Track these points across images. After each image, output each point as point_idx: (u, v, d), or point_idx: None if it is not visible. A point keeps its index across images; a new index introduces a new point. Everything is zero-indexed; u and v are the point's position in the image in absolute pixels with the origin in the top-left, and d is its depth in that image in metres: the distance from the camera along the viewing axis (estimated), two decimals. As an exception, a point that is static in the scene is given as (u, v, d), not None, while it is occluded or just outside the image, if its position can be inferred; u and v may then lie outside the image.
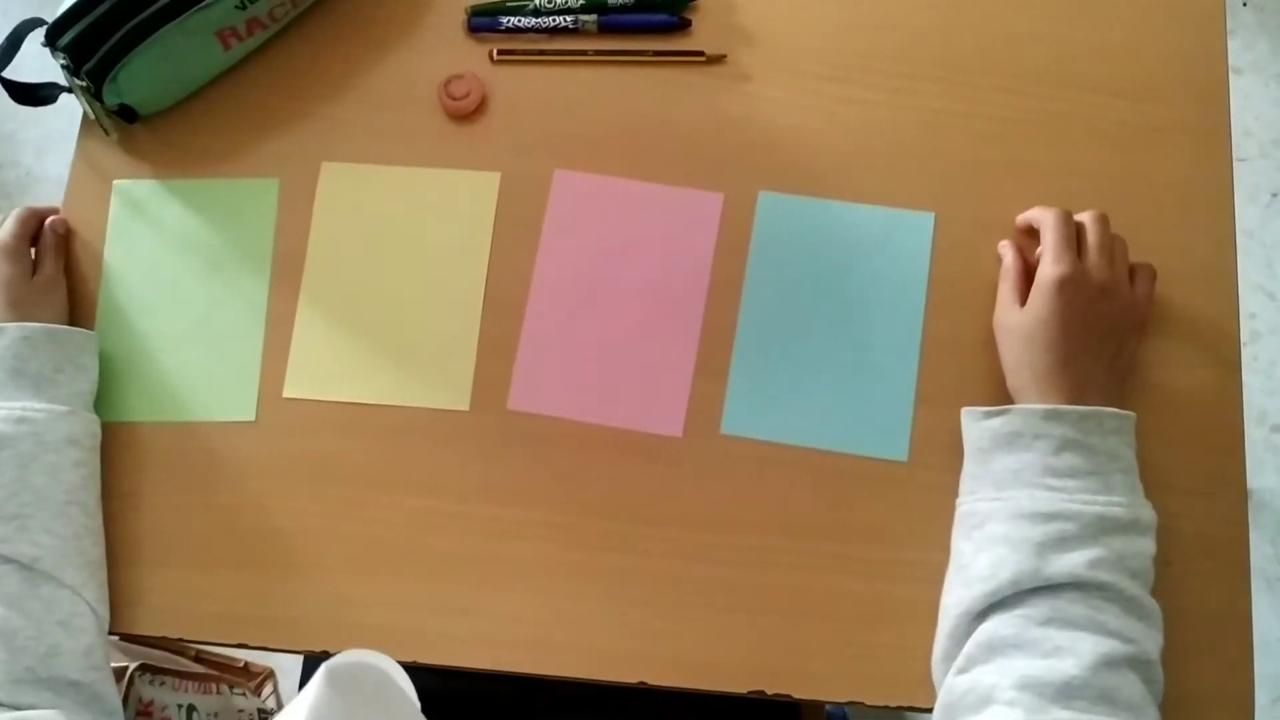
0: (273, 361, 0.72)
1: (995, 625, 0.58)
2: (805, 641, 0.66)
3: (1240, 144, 1.66)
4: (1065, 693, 0.54)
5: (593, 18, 0.75)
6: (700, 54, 0.75)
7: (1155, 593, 0.65)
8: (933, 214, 0.72)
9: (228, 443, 0.71)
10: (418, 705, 0.53)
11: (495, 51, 0.76)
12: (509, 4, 0.76)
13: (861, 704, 0.65)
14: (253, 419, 0.71)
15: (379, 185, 0.74)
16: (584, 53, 0.76)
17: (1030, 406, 0.63)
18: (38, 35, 0.71)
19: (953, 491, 0.66)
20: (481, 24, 0.77)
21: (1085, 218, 0.67)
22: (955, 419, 0.67)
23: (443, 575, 0.68)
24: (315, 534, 0.69)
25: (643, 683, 0.66)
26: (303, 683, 0.91)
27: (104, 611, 0.67)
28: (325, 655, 0.67)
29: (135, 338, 0.73)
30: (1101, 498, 0.60)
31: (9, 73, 0.73)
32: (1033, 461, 0.61)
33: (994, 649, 0.57)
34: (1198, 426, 0.69)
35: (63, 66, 0.71)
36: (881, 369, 0.69)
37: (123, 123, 0.75)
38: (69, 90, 0.73)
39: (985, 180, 0.73)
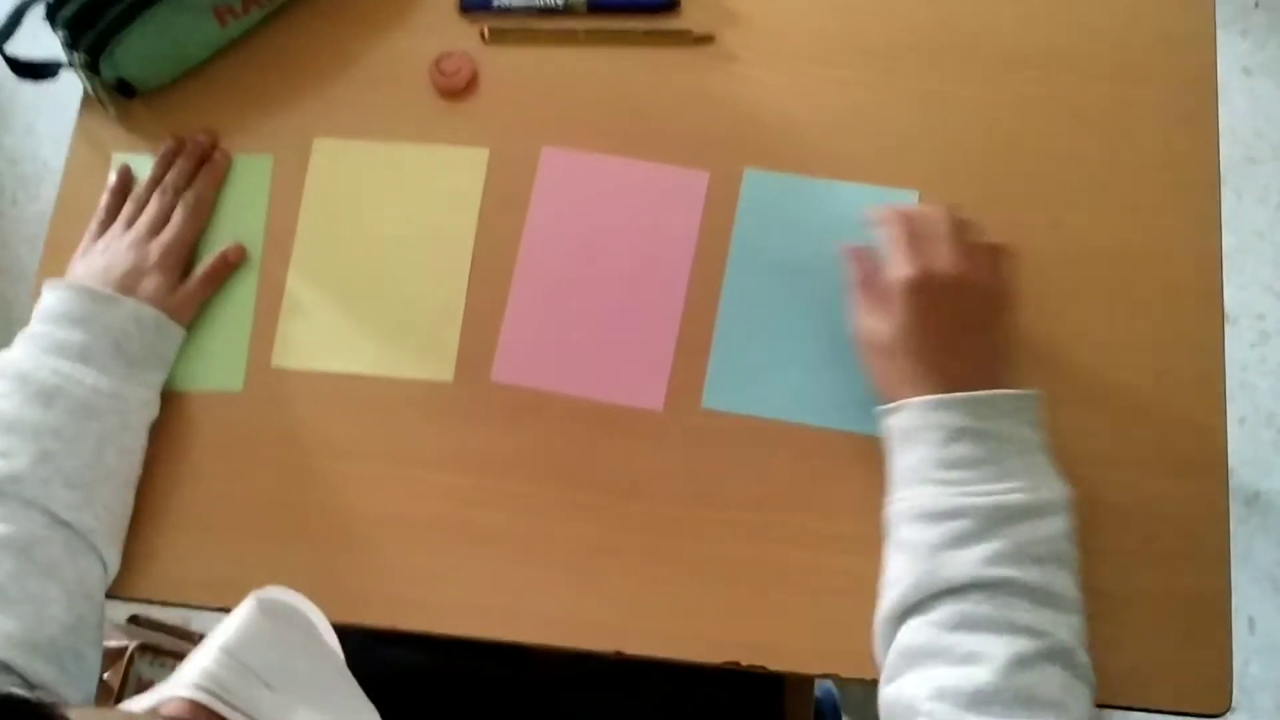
0: (262, 332, 0.73)
1: (909, 633, 0.58)
2: (782, 615, 0.66)
3: (1251, 145, 1.64)
4: (979, 700, 0.53)
5: (582, -3, 0.77)
6: (688, 33, 0.76)
7: (1132, 573, 0.65)
8: (916, 192, 0.72)
9: (214, 411, 0.72)
10: (342, 658, 0.53)
11: (486, 30, 0.77)
12: (501, -17, 0.78)
13: (837, 677, 0.65)
14: (239, 389, 0.72)
15: (370, 160, 0.75)
16: (574, 32, 0.77)
17: (921, 399, 0.60)
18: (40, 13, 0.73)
19: (931, 466, 0.66)
20: (473, 3, 0.78)
21: (928, 209, 0.66)
22: (934, 394, 0.67)
23: (423, 543, 0.68)
24: (298, 501, 0.69)
25: (619, 652, 0.66)
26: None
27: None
28: (307, 621, 0.68)
29: (129, 307, 0.74)
30: (997, 485, 0.58)
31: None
32: (926, 455, 0.60)
33: (911, 658, 0.57)
34: (1179, 408, 0.68)
35: (62, 42, 0.72)
36: (861, 345, 0.70)
37: (121, 98, 0.77)
38: (70, 65, 0.75)
39: (969, 161, 0.73)
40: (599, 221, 0.73)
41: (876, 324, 0.64)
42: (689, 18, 0.77)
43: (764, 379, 0.70)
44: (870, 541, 0.66)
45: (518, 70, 0.77)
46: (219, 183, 0.76)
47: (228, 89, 0.78)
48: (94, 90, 0.75)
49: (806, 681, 0.87)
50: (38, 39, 0.75)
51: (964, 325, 0.62)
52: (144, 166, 0.77)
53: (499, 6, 0.77)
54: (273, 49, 0.78)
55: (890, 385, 0.64)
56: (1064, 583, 0.58)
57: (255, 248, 0.75)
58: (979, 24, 0.76)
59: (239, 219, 0.75)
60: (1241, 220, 1.62)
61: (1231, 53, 1.69)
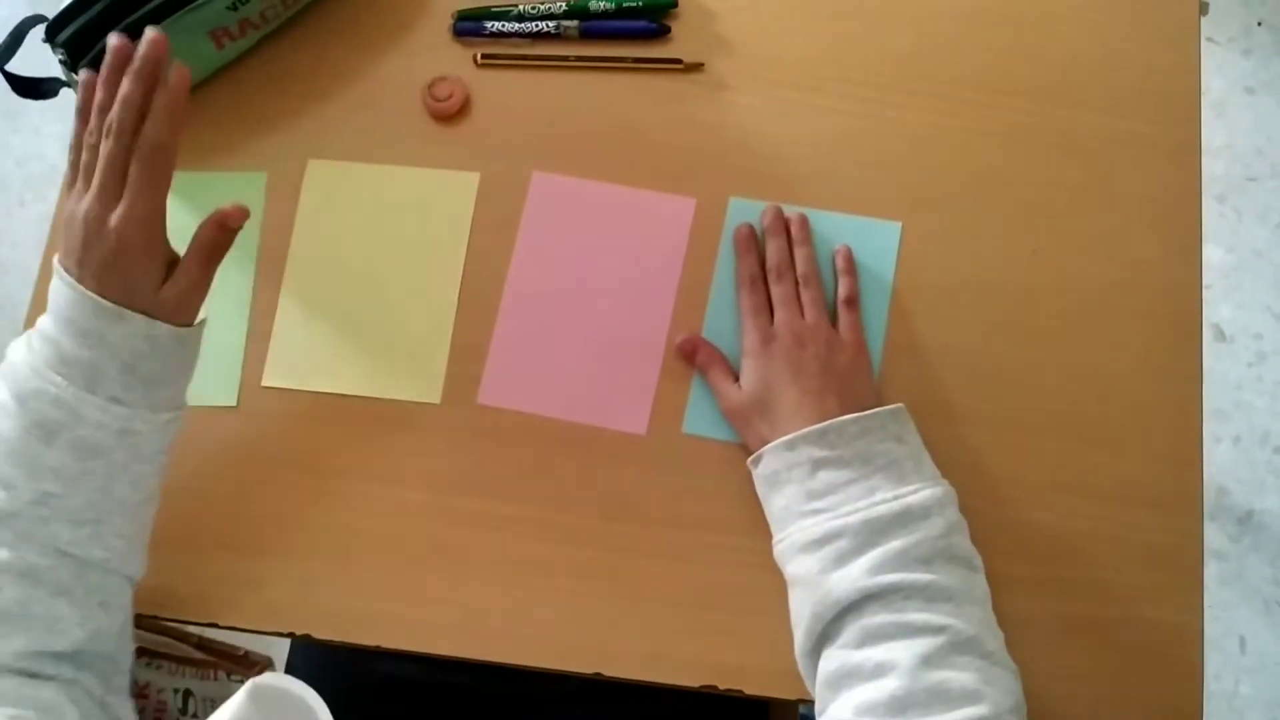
0: (255, 350, 0.74)
1: (825, 663, 0.59)
2: (759, 639, 0.67)
3: (1252, 164, 1.65)
4: (896, 707, 0.54)
5: (575, 23, 0.77)
6: (678, 62, 0.77)
7: (1105, 603, 0.66)
8: (899, 223, 0.73)
9: (209, 427, 0.73)
10: None
11: (479, 55, 0.78)
12: (494, 9, 0.78)
13: (812, 703, 0.66)
14: (234, 404, 0.73)
15: (362, 182, 0.76)
16: (565, 58, 0.78)
17: (775, 443, 0.64)
18: (39, 32, 0.74)
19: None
20: (467, 28, 0.79)
21: (770, 275, 0.71)
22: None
23: (408, 563, 0.69)
24: (288, 519, 0.70)
25: (599, 674, 0.67)
26: (288, 670, 0.93)
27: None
28: (292, 637, 0.69)
29: (123, 324, 0.75)
30: (864, 501, 0.60)
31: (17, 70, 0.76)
32: (795, 493, 0.63)
33: (834, 685, 0.58)
34: (1156, 437, 0.69)
35: (61, 61, 0.73)
36: (843, 374, 0.70)
37: (119, 117, 0.78)
38: (69, 85, 0.76)
39: (954, 191, 0.74)
40: (587, 246, 0.74)
41: (734, 393, 0.68)
42: (680, 45, 0.78)
43: (746, 405, 0.70)
44: (848, 568, 0.67)
45: (510, 95, 0.78)
46: (177, 116, 0.59)
47: (223, 109, 0.79)
48: (92, 109, 0.76)
49: (791, 702, 0.87)
50: (34, 57, 0.76)
51: (806, 373, 0.66)
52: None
53: (492, 32, 0.78)
54: (268, 71, 0.79)
55: (755, 444, 0.67)
56: (956, 576, 0.59)
57: (247, 265, 0.76)
58: (965, 55, 0.76)
59: (233, 237, 0.76)
60: (1241, 239, 1.62)
61: (1234, 71, 1.69)
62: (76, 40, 0.72)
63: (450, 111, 0.77)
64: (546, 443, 0.71)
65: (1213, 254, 1.53)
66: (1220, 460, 1.53)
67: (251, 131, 0.78)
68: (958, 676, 0.55)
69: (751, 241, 0.72)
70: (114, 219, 0.58)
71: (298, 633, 0.68)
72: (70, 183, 0.61)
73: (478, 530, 0.70)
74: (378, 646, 0.68)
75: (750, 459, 0.67)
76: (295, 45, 0.80)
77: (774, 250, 0.71)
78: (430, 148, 0.77)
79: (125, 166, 0.58)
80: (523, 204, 0.75)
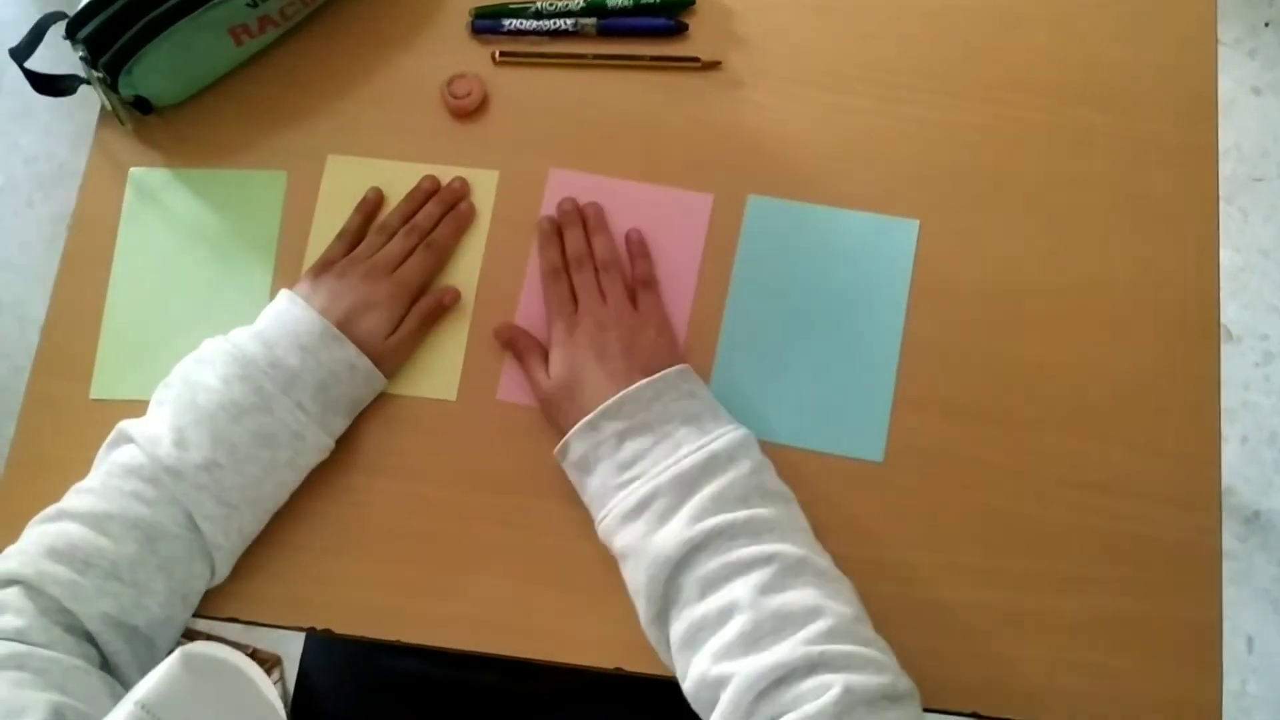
0: (273, 347, 0.74)
1: (675, 626, 0.61)
2: (778, 635, 0.67)
3: (1258, 164, 1.65)
4: (750, 639, 0.56)
5: (592, 21, 0.78)
6: (696, 59, 0.77)
7: (1124, 601, 0.66)
8: (917, 221, 0.73)
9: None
10: (282, 715, 0.51)
11: (497, 53, 0.78)
12: (511, 6, 0.79)
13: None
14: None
15: (381, 179, 0.77)
16: (583, 56, 0.78)
17: (578, 426, 0.66)
18: (59, 29, 0.74)
19: (926, 494, 0.68)
20: (485, 26, 0.79)
21: (571, 265, 0.72)
22: (931, 422, 0.69)
23: (426, 558, 0.69)
24: (303, 514, 0.70)
25: (620, 669, 0.67)
26: (304, 668, 0.94)
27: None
28: (312, 631, 0.69)
29: (142, 319, 0.76)
30: (670, 459, 0.62)
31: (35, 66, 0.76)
32: (607, 469, 0.65)
33: (689, 643, 0.59)
34: (1173, 435, 0.69)
35: (81, 58, 0.74)
36: (861, 371, 0.71)
37: (139, 114, 0.78)
38: (88, 82, 0.76)
39: (971, 189, 0.74)
40: (605, 243, 0.75)
41: (544, 382, 0.70)
42: (697, 43, 0.78)
43: (763, 403, 0.70)
44: (864, 565, 0.67)
45: (527, 93, 0.78)
46: (462, 233, 0.76)
47: (242, 106, 0.79)
48: (112, 106, 0.77)
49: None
50: (52, 54, 0.77)
51: (609, 354, 0.68)
52: (159, 180, 0.78)
53: (510, 29, 0.78)
54: (287, 67, 0.79)
55: (565, 431, 0.67)
56: (774, 509, 0.62)
57: (266, 262, 0.76)
58: (983, 54, 0.77)
59: (252, 234, 0.77)
60: (1247, 239, 1.63)
61: (1240, 72, 1.69)
62: (98, 37, 0.72)
63: (469, 109, 0.77)
64: (565, 439, 0.71)
65: (1219, 254, 1.55)
66: (1227, 460, 1.54)
67: (271, 129, 0.79)
68: (798, 596, 0.57)
69: (552, 235, 0.74)
70: (390, 279, 0.72)
71: (318, 627, 0.69)
72: (339, 252, 0.74)
73: (497, 526, 0.70)
74: (397, 641, 0.68)
75: (557, 449, 0.67)
76: (314, 43, 0.80)
77: (572, 240, 0.73)
78: (449, 145, 0.77)
79: (410, 252, 0.74)
80: (541, 200, 0.76)
